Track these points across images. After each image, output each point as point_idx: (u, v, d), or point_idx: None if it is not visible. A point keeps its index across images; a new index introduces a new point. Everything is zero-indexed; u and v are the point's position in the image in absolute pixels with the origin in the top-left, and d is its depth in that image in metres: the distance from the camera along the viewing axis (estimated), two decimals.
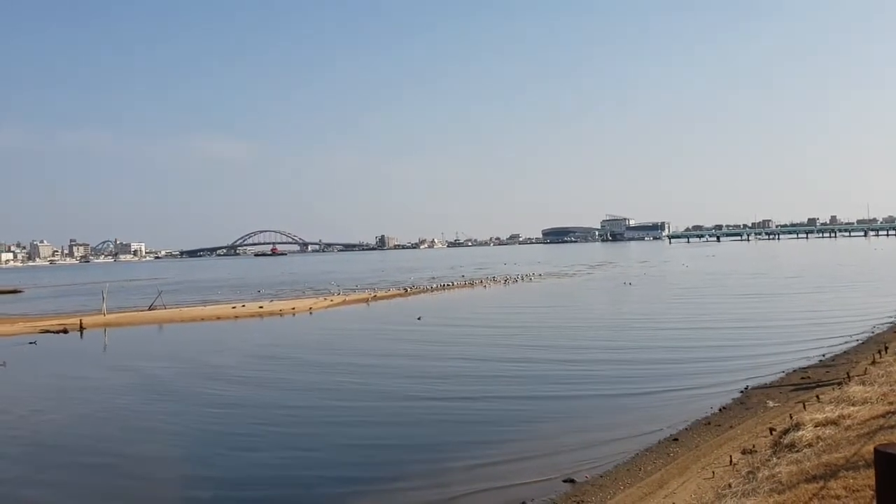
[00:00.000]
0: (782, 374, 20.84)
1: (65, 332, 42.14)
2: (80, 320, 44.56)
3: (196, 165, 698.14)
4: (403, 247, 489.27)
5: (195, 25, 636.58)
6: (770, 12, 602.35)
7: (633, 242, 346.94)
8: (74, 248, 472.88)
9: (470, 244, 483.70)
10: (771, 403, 16.99)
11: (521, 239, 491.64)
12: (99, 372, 28.31)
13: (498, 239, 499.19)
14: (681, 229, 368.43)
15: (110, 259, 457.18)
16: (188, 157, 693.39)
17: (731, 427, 15.28)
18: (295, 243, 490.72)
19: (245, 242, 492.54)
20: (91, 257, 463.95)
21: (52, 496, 13.75)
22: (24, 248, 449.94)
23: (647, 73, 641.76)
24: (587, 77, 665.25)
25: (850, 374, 17.50)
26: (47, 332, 42.34)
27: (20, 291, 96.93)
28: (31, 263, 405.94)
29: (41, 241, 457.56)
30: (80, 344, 38.04)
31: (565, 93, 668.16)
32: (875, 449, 2.75)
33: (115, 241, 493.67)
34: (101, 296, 51.52)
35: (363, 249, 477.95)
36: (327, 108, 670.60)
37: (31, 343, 37.49)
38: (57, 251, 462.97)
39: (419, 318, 41.94)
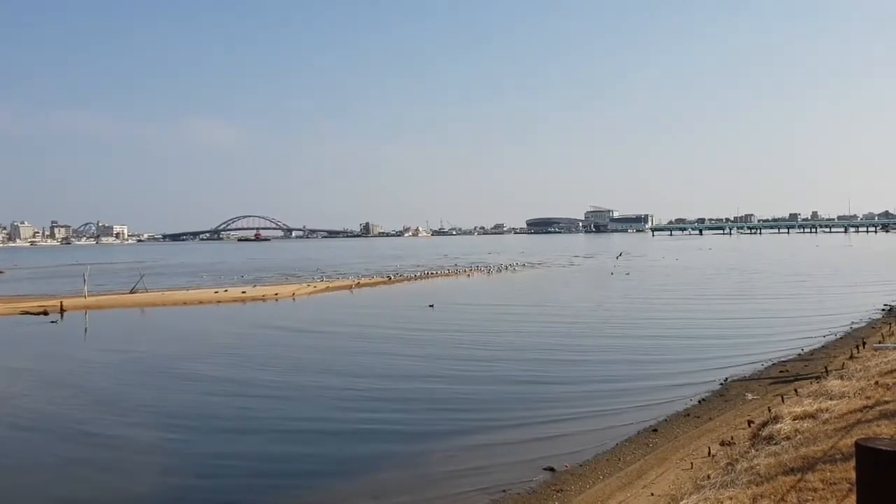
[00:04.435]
0: (761, 368, 21.03)
1: (45, 313, 41.72)
2: (61, 302, 44.17)
3: (181, 149, 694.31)
4: (388, 234, 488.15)
5: (184, 10, 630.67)
6: (757, 8, 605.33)
7: (616, 234, 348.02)
8: (56, 230, 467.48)
9: (454, 233, 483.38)
10: (750, 396, 17.15)
11: (505, 229, 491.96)
12: (79, 354, 28.10)
13: (482, 228, 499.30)
14: (664, 222, 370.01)
15: (92, 241, 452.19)
16: (173, 141, 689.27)
17: (709, 419, 15.41)
18: (279, 229, 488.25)
19: (228, 227, 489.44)
20: (73, 239, 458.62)
21: (31, 479, 13.67)
22: (5, 228, 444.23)
23: (634, 67, 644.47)
24: (575, 71, 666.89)
25: (829, 369, 17.69)
26: (27, 313, 41.93)
27: (0, 272, 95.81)
28: (11, 244, 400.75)
29: (22, 222, 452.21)
30: (60, 326, 37.69)
31: (552, 85, 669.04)
32: (856, 443, 2.77)
33: (98, 224, 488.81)
34: (83, 278, 51.06)
35: (347, 236, 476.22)
36: (315, 95, 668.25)
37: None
38: (38, 232, 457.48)
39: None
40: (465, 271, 76.81)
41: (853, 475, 5.66)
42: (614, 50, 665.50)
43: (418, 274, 71.60)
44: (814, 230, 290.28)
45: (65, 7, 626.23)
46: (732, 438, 12.58)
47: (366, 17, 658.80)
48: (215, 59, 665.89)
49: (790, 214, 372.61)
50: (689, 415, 16.19)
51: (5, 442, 16.29)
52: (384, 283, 63.99)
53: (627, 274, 67.54)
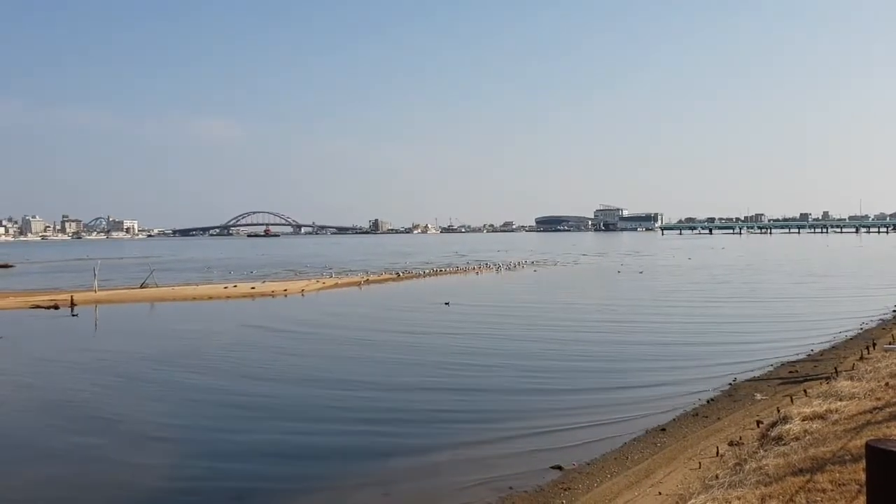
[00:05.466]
0: (770, 368, 20.96)
1: (55, 307, 42.00)
2: (72, 296, 44.38)
3: (191, 145, 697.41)
4: (397, 231, 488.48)
5: (192, 6, 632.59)
6: (767, 5, 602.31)
7: (625, 233, 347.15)
8: (67, 224, 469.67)
9: (463, 230, 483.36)
10: (759, 396, 17.10)
11: (514, 226, 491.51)
12: (88, 348, 28.24)
13: (491, 226, 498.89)
14: (673, 221, 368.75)
15: (102, 236, 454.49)
16: (183, 137, 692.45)
17: (718, 419, 15.38)
18: (288, 225, 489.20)
19: (238, 223, 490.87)
20: (83, 234, 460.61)
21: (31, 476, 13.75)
22: (16, 222, 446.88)
23: (639, 66, 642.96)
24: (583, 67, 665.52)
25: (838, 370, 17.61)
26: (38, 307, 42.21)
27: (11, 266, 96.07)
28: (22, 238, 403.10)
29: (33, 216, 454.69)
30: (70, 320, 37.87)
31: (562, 82, 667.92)
32: (867, 444, 2.77)
33: (108, 218, 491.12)
34: (93, 272, 51.34)
35: (356, 233, 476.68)
36: (324, 91, 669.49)
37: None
38: (49, 227, 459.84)
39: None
40: (473, 269, 76.77)
41: (863, 476, 5.65)
42: (617, 47, 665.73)
43: (427, 271, 71.63)
44: (824, 230, 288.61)
45: (74, 4, 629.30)
46: (741, 438, 12.56)
47: (368, 16, 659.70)
48: (223, 58, 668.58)
49: (801, 214, 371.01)
50: (697, 414, 16.16)
51: (16, 434, 16.43)
52: (393, 279, 64.07)
53: (641, 272, 67.47)
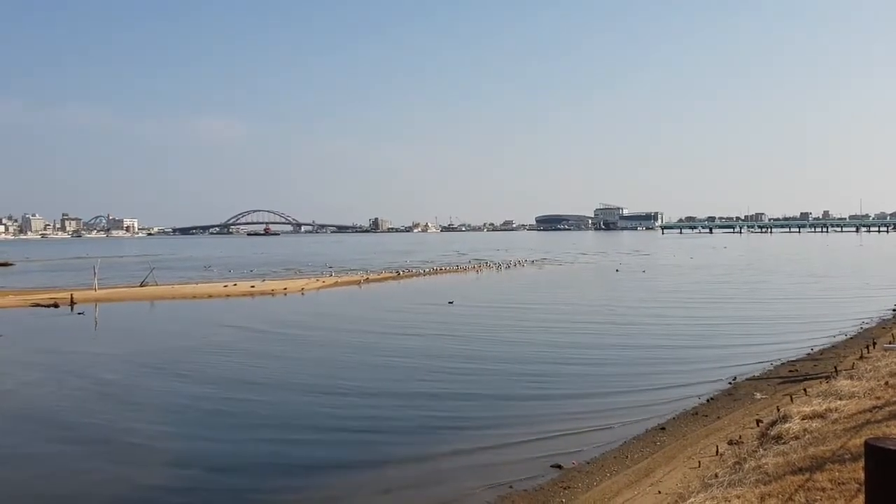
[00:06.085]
0: (770, 367, 20.95)
1: (55, 306, 42.01)
2: (71, 295, 44.37)
3: (191, 144, 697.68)
4: (397, 230, 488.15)
5: (192, 6, 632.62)
6: (767, 5, 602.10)
7: (625, 232, 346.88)
8: (66, 223, 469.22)
9: (463, 229, 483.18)
10: (758, 395, 17.09)
11: (514, 225, 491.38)
12: (83, 350, 28.20)
13: (492, 225, 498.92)
14: (674, 220, 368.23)
15: (102, 234, 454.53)
16: (183, 136, 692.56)
17: (718, 418, 15.37)
18: (288, 224, 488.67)
19: (238, 221, 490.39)
20: (83, 232, 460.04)
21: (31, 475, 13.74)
22: (16, 220, 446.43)
23: (640, 65, 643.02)
24: (583, 67, 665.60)
25: (838, 369, 17.60)
26: (38, 305, 42.22)
27: (11, 265, 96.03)
28: (22, 236, 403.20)
29: (33, 215, 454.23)
30: (68, 320, 37.84)
31: (562, 82, 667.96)
32: (866, 442, 2.76)
33: (108, 217, 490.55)
34: (93, 271, 51.33)
35: (356, 231, 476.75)
36: (324, 91, 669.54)
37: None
38: (49, 225, 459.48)
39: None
40: (474, 268, 76.76)
41: (862, 475, 5.64)
42: (617, 47, 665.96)
43: (427, 270, 71.61)
44: (825, 230, 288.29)
45: (74, 3, 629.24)
46: (741, 437, 12.55)
47: (368, 16, 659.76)
48: (223, 58, 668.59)
49: (801, 213, 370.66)
50: (697, 413, 16.15)
51: (16, 431, 16.41)
52: (392, 278, 64.07)
53: (643, 272, 67.40)
